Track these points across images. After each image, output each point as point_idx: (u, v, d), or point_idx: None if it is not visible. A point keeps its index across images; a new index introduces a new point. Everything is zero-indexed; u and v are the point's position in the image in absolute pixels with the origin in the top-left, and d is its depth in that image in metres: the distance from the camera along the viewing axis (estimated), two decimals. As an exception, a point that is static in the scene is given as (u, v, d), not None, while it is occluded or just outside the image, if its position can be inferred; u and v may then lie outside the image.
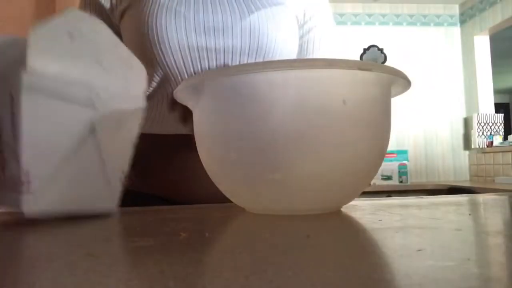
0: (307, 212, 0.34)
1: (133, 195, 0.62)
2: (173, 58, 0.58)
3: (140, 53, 0.59)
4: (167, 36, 0.57)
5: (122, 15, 0.62)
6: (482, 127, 3.15)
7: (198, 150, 0.38)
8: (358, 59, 3.14)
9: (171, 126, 0.59)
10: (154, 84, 0.60)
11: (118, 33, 0.64)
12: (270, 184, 0.32)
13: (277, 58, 0.43)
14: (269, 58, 0.58)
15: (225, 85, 0.33)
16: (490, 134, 3.14)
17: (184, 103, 0.40)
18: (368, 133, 0.33)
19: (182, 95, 0.37)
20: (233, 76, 0.32)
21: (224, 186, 0.37)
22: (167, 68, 0.58)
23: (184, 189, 0.58)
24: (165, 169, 0.60)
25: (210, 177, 0.38)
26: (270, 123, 0.31)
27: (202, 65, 0.58)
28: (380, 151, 0.35)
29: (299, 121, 0.31)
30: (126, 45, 0.61)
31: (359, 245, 0.23)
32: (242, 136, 0.32)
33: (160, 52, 0.57)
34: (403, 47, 3.31)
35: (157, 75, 0.59)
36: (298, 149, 0.31)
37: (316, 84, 0.31)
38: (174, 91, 0.37)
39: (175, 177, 0.58)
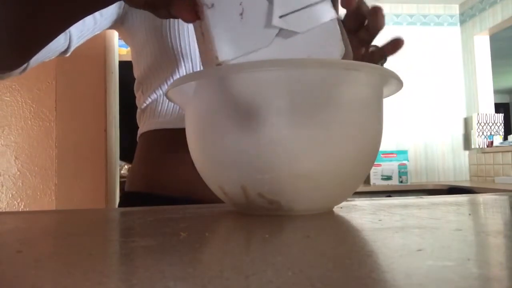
0: (297, 213, 0.34)
1: (143, 198, 0.61)
2: (194, 48, 0.59)
3: (162, 46, 0.60)
4: (188, 29, 0.58)
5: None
6: (482, 127, 3.15)
7: (189, 151, 0.38)
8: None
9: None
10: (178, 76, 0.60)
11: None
12: (260, 184, 0.32)
13: None
14: None
15: (214, 85, 0.33)
16: (490, 134, 3.14)
17: (176, 103, 0.39)
18: (360, 133, 0.33)
19: (173, 95, 0.37)
20: (222, 76, 0.32)
21: (214, 186, 0.37)
22: (192, 60, 0.59)
23: (195, 187, 0.58)
24: (178, 165, 0.59)
25: (202, 176, 0.38)
26: (259, 124, 0.31)
27: None
28: (372, 152, 0.35)
29: (288, 121, 0.31)
30: (142, 38, 0.62)
31: (359, 245, 0.23)
32: (232, 137, 0.32)
33: (183, 45, 0.59)
34: (403, 47, 3.30)
35: (183, 67, 0.60)
36: (288, 150, 0.31)
37: (306, 84, 0.31)
38: (165, 91, 0.36)
39: (188, 174, 0.58)
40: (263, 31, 0.35)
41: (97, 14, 0.61)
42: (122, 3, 0.63)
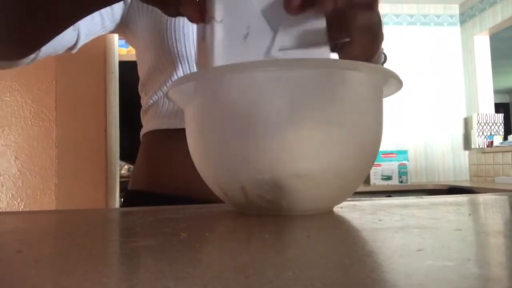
0: (297, 213, 0.34)
1: (145, 196, 0.62)
2: (190, 51, 0.60)
3: (161, 49, 0.62)
4: (184, 33, 0.58)
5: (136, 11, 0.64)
6: (482, 127, 3.15)
7: (189, 150, 0.38)
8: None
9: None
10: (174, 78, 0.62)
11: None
12: (260, 184, 0.32)
13: None
14: None
15: (215, 84, 0.33)
16: (490, 134, 3.14)
17: (176, 103, 0.40)
18: (360, 133, 0.33)
19: (173, 95, 0.37)
20: (223, 75, 0.32)
21: (214, 186, 0.37)
22: (188, 62, 0.61)
23: (196, 187, 0.58)
24: (179, 165, 0.60)
25: (201, 176, 0.38)
26: (259, 124, 0.31)
27: None
28: (372, 152, 0.35)
29: (288, 121, 0.31)
30: (145, 41, 0.63)
31: (359, 245, 0.23)
32: (231, 137, 0.32)
33: (180, 48, 0.60)
34: (403, 47, 3.31)
35: (180, 70, 0.61)
36: (288, 150, 0.31)
37: (306, 84, 0.31)
38: (166, 91, 0.37)
39: (190, 174, 0.59)
40: (261, 58, 0.37)
41: (105, 14, 0.62)
42: (127, 6, 0.64)
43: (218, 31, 0.36)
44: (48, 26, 0.45)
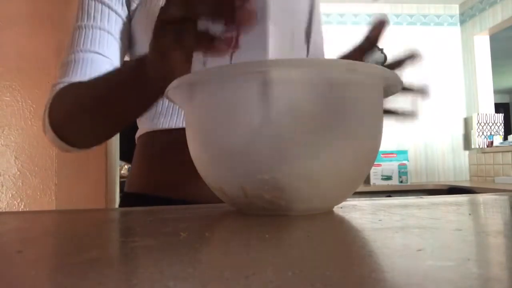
0: (297, 213, 0.34)
1: (141, 198, 0.62)
2: None
3: None
4: None
5: (135, 11, 0.63)
6: (482, 127, 3.15)
7: (189, 151, 0.38)
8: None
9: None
10: None
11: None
12: (260, 184, 0.32)
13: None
14: None
15: (215, 85, 0.33)
16: (490, 134, 3.14)
17: (175, 103, 0.40)
18: (360, 133, 0.33)
19: (173, 94, 0.37)
20: (223, 76, 0.32)
21: (214, 186, 0.37)
22: None
23: (192, 189, 0.58)
24: (175, 167, 0.60)
25: (201, 176, 0.38)
26: (259, 124, 0.31)
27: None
28: (371, 152, 0.35)
29: (288, 122, 0.31)
30: (143, 39, 0.63)
31: (359, 245, 0.23)
32: (231, 137, 0.32)
33: None
34: (403, 47, 3.31)
35: None
36: (287, 150, 0.31)
37: (307, 84, 0.31)
38: (166, 91, 0.36)
39: (185, 176, 0.58)
40: None
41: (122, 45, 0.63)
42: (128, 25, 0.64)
43: (273, 32, 0.37)
44: (118, 128, 0.55)
